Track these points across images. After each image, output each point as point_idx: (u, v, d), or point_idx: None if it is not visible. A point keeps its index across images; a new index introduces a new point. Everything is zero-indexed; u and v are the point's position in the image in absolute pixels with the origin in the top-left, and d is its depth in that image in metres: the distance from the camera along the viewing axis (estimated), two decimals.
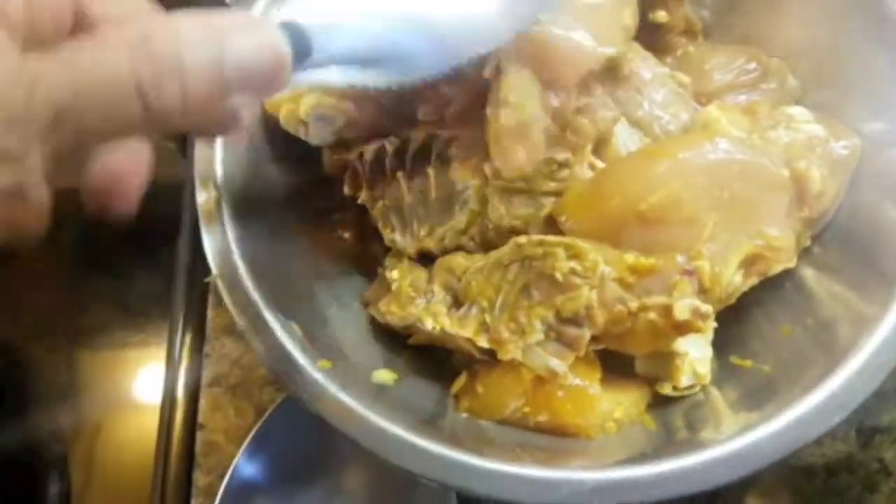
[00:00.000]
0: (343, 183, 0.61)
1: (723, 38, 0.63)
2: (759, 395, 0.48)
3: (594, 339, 0.49)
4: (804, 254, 0.54)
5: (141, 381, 0.73)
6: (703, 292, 0.47)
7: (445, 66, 0.46)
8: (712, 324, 0.51)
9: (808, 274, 0.54)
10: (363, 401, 0.47)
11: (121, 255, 0.80)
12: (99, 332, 0.76)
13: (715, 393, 0.51)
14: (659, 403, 0.52)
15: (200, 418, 0.66)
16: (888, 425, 0.59)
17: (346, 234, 0.65)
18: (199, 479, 0.64)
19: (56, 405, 0.73)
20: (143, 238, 0.80)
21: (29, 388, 0.75)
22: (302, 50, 0.37)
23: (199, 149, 0.56)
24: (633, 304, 0.47)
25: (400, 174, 0.58)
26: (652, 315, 0.47)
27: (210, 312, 0.70)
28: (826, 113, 0.55)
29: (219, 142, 0.56)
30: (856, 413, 0.58)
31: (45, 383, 0.75)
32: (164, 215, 0.79)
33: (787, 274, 0.53)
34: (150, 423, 0.69)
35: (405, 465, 0.45)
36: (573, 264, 0.47)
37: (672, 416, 0.51)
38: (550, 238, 0.48)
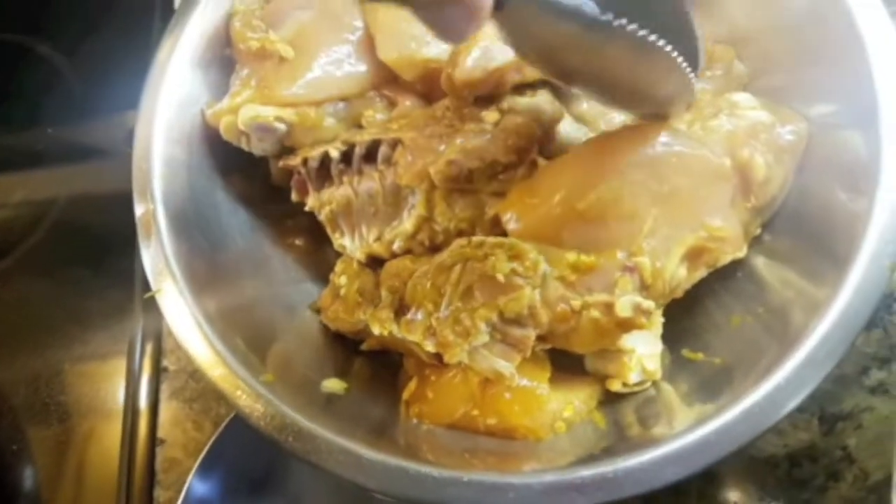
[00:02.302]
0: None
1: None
2: (711, 387, 0.48)
3: (540, 338, 0.48)
4: (755, 242, 0.53)
5: (102, 395, 0.72)
6: (645, 288, 0.46)
7: None
8: (659, 319, 0.51)
9: (760, 262, 0.53)
10: (310, 413, 0.47)
11: (79, 268, 0.79)
12: (59, 345, 0.75)
13: (667, 387, 0.51)
14: (610, 400, 0.51)
15: (160, 433, 0.65)
16: (851, 411, 0.58)
17: (299, 241, 0.64)
18: (161, 495, 0.64)
19: (18, 424, 0.72)
20: (101, 251, 0.79)
21: None
22: None
23: (137, 161, 0.55)
24: (576, 303, 0.46)
25: (346, 179, 0.57)
26: (595, 313, 0.46)
27: (165, 326, 0.69)
28: (775, 97, 0.54)
29: (157, 154, 0.55)
30: (816, 400, 0.58)
31: (5, 402, 0.74)
32: (123, 227, 0.78)
33: (738, 264, 0.52)
34: (112, 438, 0.68)
35: (354, 479, 0.45)
36: (514, 265, 0.46)
37: (623, 413, 0.50)
38: (490, 239, 0.48)
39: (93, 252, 0.81)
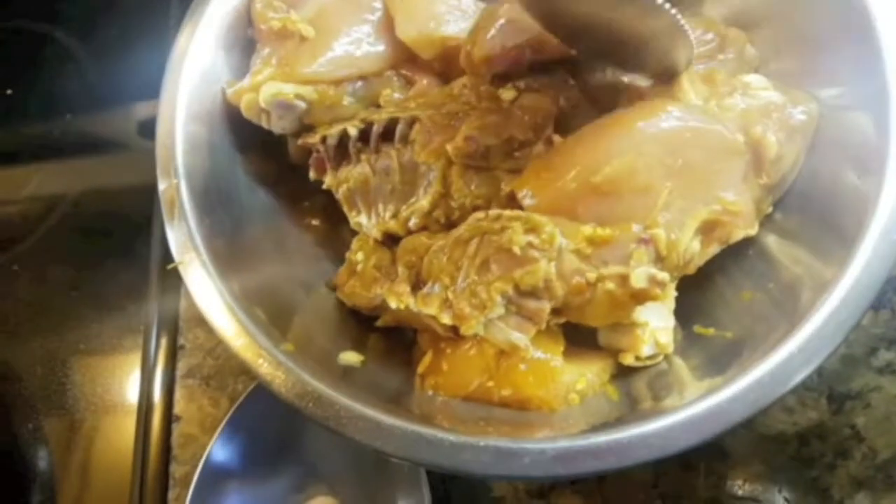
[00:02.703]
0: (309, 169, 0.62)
1: (684, 11, 0.63)
2: (721, 361, 0.48)
3: (555, 312, 0.49)
4: (766, 221, 0.54)
5: (118, 376, 0.73)
6: (659, 260, 0.47)
7: None
8: (672, 292, 0.51)
9: (770, 240, 0.54)
10: (329, 382, 0.48)
11: (95, 252, 0.80)
12: (74, 328, 0.76)
13: (678, 362, 0.51)
14: (623, 374, 0.52)
15: (176, 410, 0.67)
16: (859, 391, 0.59)
17: (315, 221, 0.65)
18: (176, 470, 0.65)
19: (34, 404, 0.73)
20: (117, 235, 0.80)
21: (7, 388, 0.75)
22: None
23: (160, 138, 0.56)
24: (591, 275, 0.47)
25: (364, 157, 0.58)
26: (610, 285, 0.47)
27: (183, 303, 0.70)
28: (785, 80, 0.55)
29: (179, 132, 0.56)
30: (825, 380, 0.59)
31: (21, 382, 0.75)
32: (138, 211, 0.79)
33: (749, 241, 0.53)
34: (128, 417, 0.69)
35: (372, 444, 0.45)
36: (530, 238, 0.47)
37: (635, 386, 0.51)
38: (507, 212, 0.49)
39: (108, 237, 0.82)
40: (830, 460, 0.58)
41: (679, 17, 0.43)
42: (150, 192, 0.76)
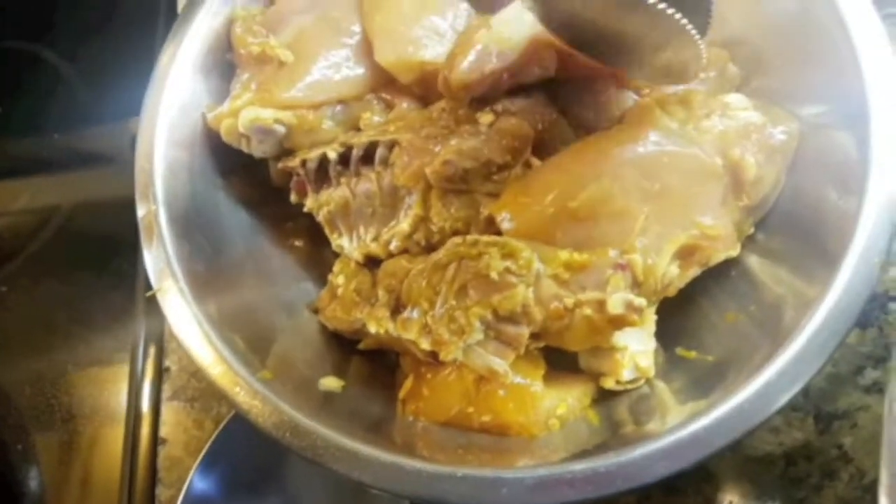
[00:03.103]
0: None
1: None
2: (705, 384, 0.48)
3: (534, 336, 0.49)
4: (748, 242, 0.54)
5: (106, 397, 0.72)
6: (637, 286, 0.47)
7: None
8: (652, 316, 0.51)
9: (753, 261, 0.53)
10: (308, 411, 0.47)
11: (83, 272, 0.80)
12: (62, 347, 0.76)
13: (660, 385, 0.51)
14: (604, 398, 0.52)
15: (162, 433, 0.66)
16: (846, 410, 0.58)
17: (299, 242, 0.65)
18: (162, 493, 0.64)
19: (23, 424, 0.73)
20: (105, 255, 0.80)
21: None
22: None
23: (139, 163, 0.56)
24: (569, 301, 0.46)
25: (344, 180, 0.58)
26: (587, 310, 0.46)
27: (167, 326, 0.70)
28: (767, 99, 0.55)
29: (159, 157, 0.56)
30: (812, 399, 0.58)
31: (10, 402, 0.75)
32: (126, 232, 0.79)
33: (731, 262, 0.53)
34: (115, 437, 0.69)
35: (350, 475, 0.45)
36: (508, 263, 0.47)
37: (617, 410, 0.51)
38: (484, 238, 0.48)
39: (97, 256, 0.82)
40: (817, 481, 0.57)
41: (691, 28, 0.43)
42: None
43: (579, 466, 0.43)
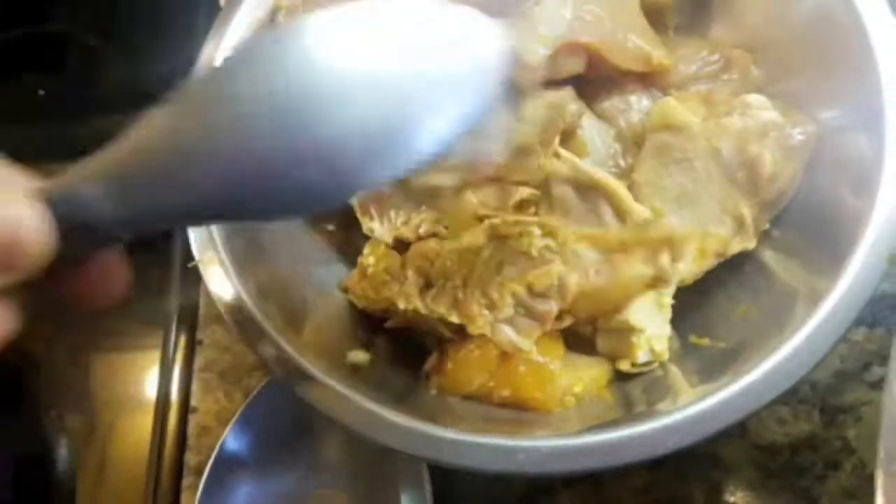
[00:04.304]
0: None
1: (692, 33, 0.65)
2: (715, 369, 0.50)
3: (559, 317, 0.51)
4: (764, 237, 0.56)
5: (139, 367, 0.76)
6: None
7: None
8: (669, 302, 0.53)
9: (768, 255, 0.56)
10: (337, 378, 0.50)
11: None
12: (97, 320, 0.79)
13: (674, 369, 0.53)
14: (619, 380, 0.54)
15: (193, 402, 0.69)
16: (852, 404, 0.60)
17: (330, 225, 0.67)
18: (191, 459, 0.67)
19: (57, 392, 0.77)
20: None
21: (31, 380, 0.78)
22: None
23: None
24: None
25: None
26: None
27: (202, 301, 0.73)
28: (786, 102, 0.57)
29: None
30: (819, 393, 0.60)
31: (44, 372, 0.78)
32: None
33: (747, 256, 0.55)
34: (147, 405, 0.72)
35: (376, 438, 0.48)
36: (548, 241, 0.50)
37: (631, 391, 0.53)
38: (526, 217, 0.51)
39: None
40: (821, 471, 0.59)
41: None
42: None
43: (594, 437, 0.45)
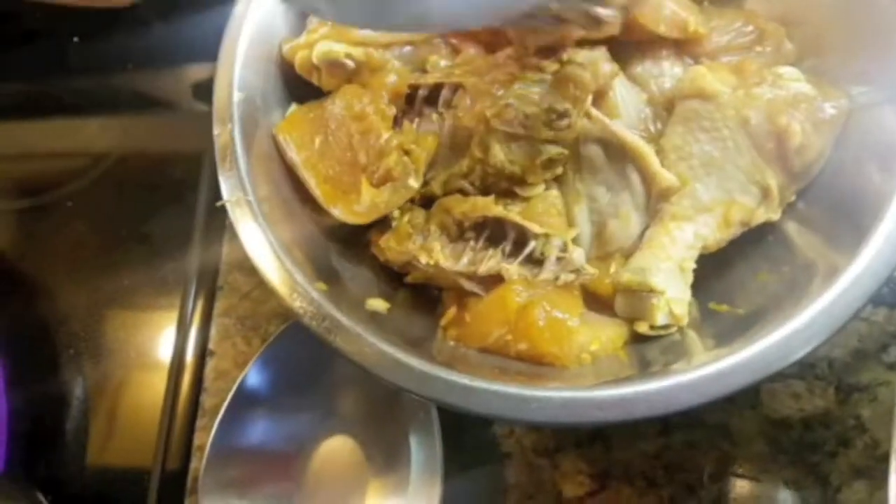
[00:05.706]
0: None
1: (727, 3, 0.65)
2: (731, 335, 0.50)
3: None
4: (789, 208, 0.56)
5: (159, 306, 0.77)
6: None
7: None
8: (691, 266, 0.53)
9: (791, 227, 0.56)
10: (356, 321, 0.51)
11: (144, 192, 0.84)
12: (120, 263, 0.80)
13: (691, 334, 0.54)
14: (636, 341, 0.55)
15: (211, 345, 0.70)
16: (867, 384, 0.60)
17: None
18: (206, 401, 0.68)
19: (74, 329, 0.78)
20: (165, 186, 0.84)
21: (50, 320, 0.80)
22: None
23: (218, 86, 0.59)
24: None
25: (407, 119, 0.61)
26: None
27: (224, 248, 0.74)
28: (819, 77, 0.57)
29: (236, 82, 0.59)
30: (835, 371, 0.61)
31: (63, 315, 0.79)
32: (190, 163, 0.83)
33: (770, 227, 0.55)
34: (165, 346, 0.73)
35: (391, 379, 0.49)
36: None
37: (647, 352, 0.53)
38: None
39: (157, 189, 0.86)
40: (832, 448, 0.59)
41: None
42: (202, 147, 0.81)
43: (607, 391, 0.46)
